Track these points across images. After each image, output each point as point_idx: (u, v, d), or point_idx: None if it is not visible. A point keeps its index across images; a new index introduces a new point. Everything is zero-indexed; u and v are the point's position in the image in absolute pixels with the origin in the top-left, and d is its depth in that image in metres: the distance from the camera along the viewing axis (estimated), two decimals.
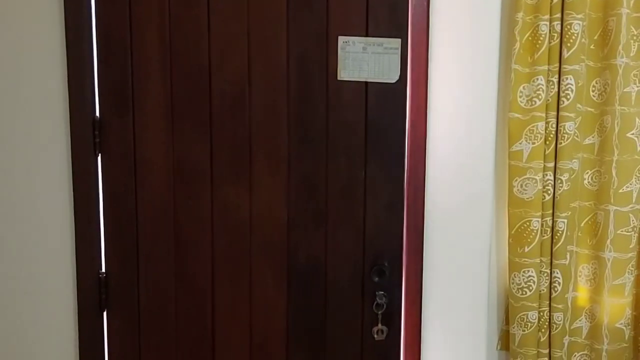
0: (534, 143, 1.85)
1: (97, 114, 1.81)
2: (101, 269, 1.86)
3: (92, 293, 1.85)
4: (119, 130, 1.79)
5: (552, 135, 1.85)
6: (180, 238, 1.77)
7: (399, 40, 1.63)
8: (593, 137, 1.90)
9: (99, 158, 1.82)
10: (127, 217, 1.81)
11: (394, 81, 1.65)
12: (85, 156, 1.81)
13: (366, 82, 1.65)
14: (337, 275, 1.72)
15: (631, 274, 1.91)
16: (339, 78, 1.66)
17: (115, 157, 1.80)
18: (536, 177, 1.85)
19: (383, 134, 1.69)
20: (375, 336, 1.65)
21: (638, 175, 1.87)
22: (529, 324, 1.89)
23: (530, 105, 1.86)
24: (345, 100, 1.68)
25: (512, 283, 1.89)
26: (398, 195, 1.69)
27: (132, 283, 1.83)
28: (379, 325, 1.66)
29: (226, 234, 1.74)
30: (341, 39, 1.64)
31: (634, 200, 1.88)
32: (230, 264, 1.75)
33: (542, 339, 1.92)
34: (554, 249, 1.88)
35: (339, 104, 1.68)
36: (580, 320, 1.97)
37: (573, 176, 1.87)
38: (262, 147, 1.71)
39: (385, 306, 1.65)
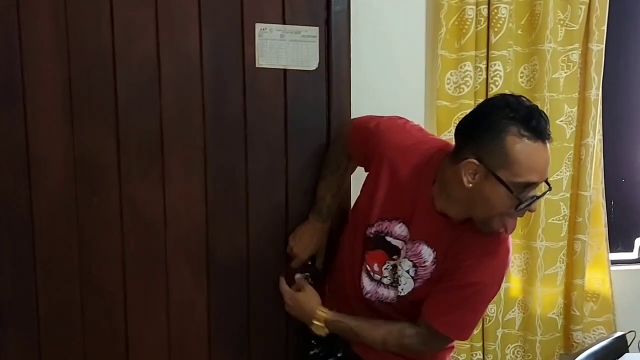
0: None
1: None
2: None
3: None
4: (7, 124, 1.59)
5: None
6: (84, 240, 1.65)
7: (317, 28, 1.62)
8: None
9: None
10: (19, 221, 1.63)
11: (312, 69, 1.63)
12: None
13: (285, 70, 1.63)
14: (261, 273, 1.66)
15: (562, 262, 1.91)
16: (257, 65, 1.62)
17: (3, 154, 1.60)
18: None
19: (303, 122, 1.65)
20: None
21: (568, 162, 1.87)
22: None
23: (458, 93, 1.82)
24: (264, 88, 1.63)
25: None
26: None
27: (30, 295, 1.65)
28: None
29: (137, 232, 1.64)
30: (258, 26, 1.61)
31: (564, 188, 1.88)
32: (143, 263, 1.65)
33: (475, 332, 1.88)
34: None
35: (257, 92, 1.63)
36: (513, 312, 1.95)
37: None
38: (175, 139, 1.62)
39: None
